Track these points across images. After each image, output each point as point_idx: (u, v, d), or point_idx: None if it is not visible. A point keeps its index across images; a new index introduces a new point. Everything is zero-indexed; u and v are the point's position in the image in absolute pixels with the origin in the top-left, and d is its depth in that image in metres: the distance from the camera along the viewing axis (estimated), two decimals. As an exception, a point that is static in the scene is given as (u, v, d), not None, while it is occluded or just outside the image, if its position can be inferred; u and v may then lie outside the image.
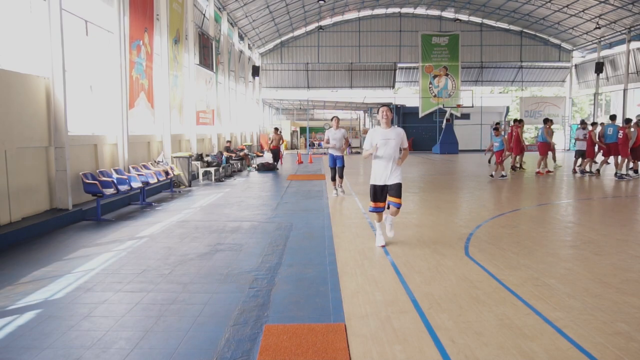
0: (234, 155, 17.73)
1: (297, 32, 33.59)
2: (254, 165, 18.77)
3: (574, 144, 16.06)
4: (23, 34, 7.82)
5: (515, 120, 17.36)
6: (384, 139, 5.70)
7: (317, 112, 40.41)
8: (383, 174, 5.80)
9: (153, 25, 12.41)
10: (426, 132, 32.46)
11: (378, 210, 5.94)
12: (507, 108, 34.89)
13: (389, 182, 5.77)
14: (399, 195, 5.79)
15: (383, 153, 5.74)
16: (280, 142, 19.94)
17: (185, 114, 15.39)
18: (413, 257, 5.48)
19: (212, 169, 14.60)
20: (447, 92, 32.02)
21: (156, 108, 12.82)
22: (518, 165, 17.04)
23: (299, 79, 34.60)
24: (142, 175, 10.14)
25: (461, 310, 3.86)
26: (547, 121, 16.00)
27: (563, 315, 3.73)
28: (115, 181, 8.77)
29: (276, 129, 19.94)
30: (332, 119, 10.72)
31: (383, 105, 5.85)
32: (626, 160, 14.60)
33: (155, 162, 12.29)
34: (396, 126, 5.93)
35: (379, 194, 5.86)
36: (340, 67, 34.32)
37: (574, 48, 33.53)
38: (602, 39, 29.54)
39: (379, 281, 4.63)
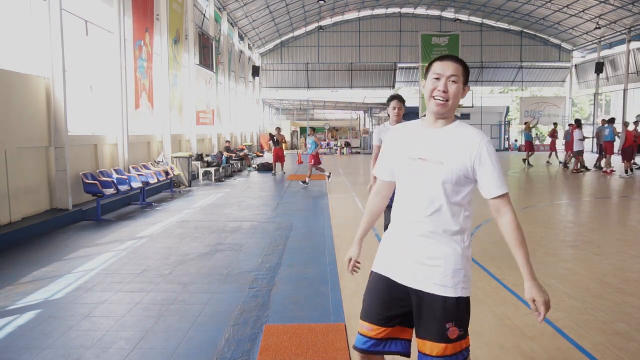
0: (233, 155, 17.73)
1: (297, 32, 33.58)
2: (254, 165, 18.77)
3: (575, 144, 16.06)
4: (23, 34, 7.82)
5: (576, 121, 17.23)
6: (416, 159, 1.96)
7: (317, 112, 40.40)
8: (405, 252, 2.01)
9: (153, 25, 12.41)
10: (426, 132, 32.41)
11: (369, 352, 2.06)
12: (507, 108, 34.91)
13: (424, 288, 1.95)
14: (452, 336, 1.91)
15: (409, 196, 2.00)
16: (283, 142, 17.48)
17: (185, 114, 15.40)
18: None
19: (212, 169, 14.60)
20: (447, 92, 31.98)
21: (156, 108, 12.83)
22: (583, 167, 16.56)
23: (299, 79, 34.60)
24: (142, 175, 10.14)
25: (461, 310, 3.86)
26: (612, 121, 15.84)
27: (563, 315, 3.73)
28: (115, 181, 8.77)
29: (278, 129, 17.57)
30: (389, 102, 4.87)
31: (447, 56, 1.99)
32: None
33: (155, 162, 12.29)
34: (460, 121, 2.00)
35: (383, 302, 2.06)
36: (340, 67, 34.31)
37: (574, 48, 33.52)
38: (602, 39, 29.53)
39: (379, 281, 4.62)
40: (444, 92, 1.91)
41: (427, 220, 1.94)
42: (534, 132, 22.19)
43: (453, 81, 1.91)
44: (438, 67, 1.94)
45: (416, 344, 2.00)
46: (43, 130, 7.85)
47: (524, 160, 18.73)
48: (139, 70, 11.49)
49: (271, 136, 17.57)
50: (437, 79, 1.93)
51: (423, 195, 1.94)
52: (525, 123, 20.42)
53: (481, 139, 1.93)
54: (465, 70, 1.96)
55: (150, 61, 12.26)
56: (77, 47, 9.42)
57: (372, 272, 2.18)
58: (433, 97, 1.93)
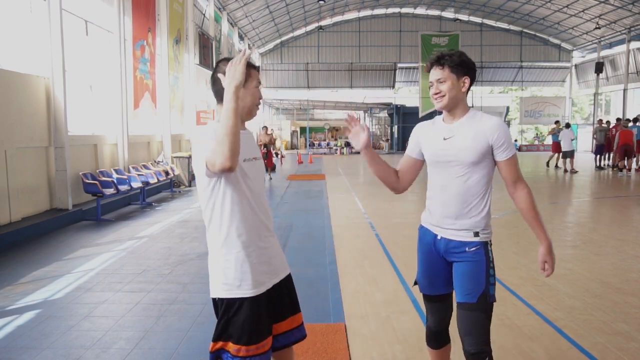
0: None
1: (297, 32, 33.59)
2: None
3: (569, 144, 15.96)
4: (23, 34, 7.82)
5: (566, 124, 16.95)
6: (251, 159, 2.03)
7: (317, 112, 40.43)
8: (273, 250, 2.14)
9: (155, 25, 12.42)
10: (426, 132, 32.42)
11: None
12: (507, 108, 34.91)
13: (285, 274, 2.18)
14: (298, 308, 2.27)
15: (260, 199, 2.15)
16: (271, 145, 15.03)
17: (185, 114, 15.40)
18: (413, 257, 5.44)
19: (212, 169, 14.54)
20: (447, 92, 31.97)
21: (158, 108, 12.83)
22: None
23: (299, 79, 34.60)
24: (142, 175, 10.14)
25: (461, 310, 3.86)
26: (637, 120, 15.35)
27: (563, 315, 3.73)
28: (115, 181, 8.77)
29: (265, 128, 15.36)
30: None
31: None
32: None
33: (155, 162, 12.29)
34: None
35: (263, 314, 1.99)
36: (340, 67, 34.31)
37: (574, 48, 33.52)
38: (602, 39, 29.53)
39: (379, 281, 4.63)
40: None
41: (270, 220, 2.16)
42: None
43: None
44: None
45: (279, 329, 2.11)
46: (43, 130, 7.85)
47: (556, 166, 17.39)
48: (142, 70, 11.48)
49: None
50: (258, 87, 2.04)
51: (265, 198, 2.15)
52: (556, 122, 18.35)
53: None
54: None
55: (153, 61, 12.27)
56: (77, 47, 9.42)
57: (249, 298, 1.93)
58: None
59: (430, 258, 2.32)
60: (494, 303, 2.21)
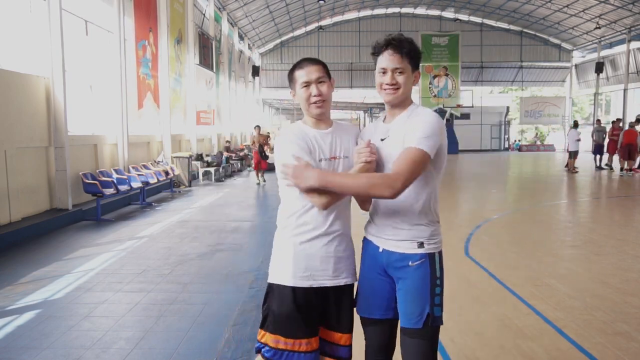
0: (233, 155, 17.73)
1: (297, 32, 33.58)
2: (253, 166, 18.75)
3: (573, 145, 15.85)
4: (23, 34, 7.82)
5: (574, 122, 16.87)
6: (328, 159, 2.03)
7: (317, 112, 40.42)
8: (324, 250, 1.96)
9: (157, 25, 12.43)
10: (426, 132, 32.38)
11: None
12: (507, 108, 34.87)
13: (340, 281, 1.99)
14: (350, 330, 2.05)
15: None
16: (265, 145, 13.94)
17: (186, 114, 15.41)
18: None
19: (212, 169, 14.59)
20: (447, 92, 32.01)
21: (161, 108, 12.84)
22: None
23: (299, 79, 34.55)
24: (142, 175, 10.14)
25: (461, 310, 3.86)
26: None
27: (563, 315, 3.73)
28: (115, 181, 8.77)
29: (258, 128, 14.21)
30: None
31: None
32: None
33: (155, 162, 12.29)
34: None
35: (301, 309, 1.93)
36: (340, 67, 34.28)
37: (574, 48, 33.50)
38: (602, 38, 29.51)
39: (379, 281, 4.62)
40: (319, 94, 2.06)
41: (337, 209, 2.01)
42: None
43: (321, 81, 2.09)
44: (302, 72, 2.06)
45: (325, 336, 2.04)
46: (43, 130, 7.85)
47: (574, 170, 15.66)
48: (144, 70, 11.49)
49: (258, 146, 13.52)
50: (306, 86, 2.04)
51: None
52: (575, 121, 17.44)
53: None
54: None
55: (155, 61, 12.28)
56: (77, 47, 9.42)
57: (285, 287, 1.93)
58: (311, 103, 2.06)
59: (370, 274, 2.02)
60: (440, 326, 1.93)
